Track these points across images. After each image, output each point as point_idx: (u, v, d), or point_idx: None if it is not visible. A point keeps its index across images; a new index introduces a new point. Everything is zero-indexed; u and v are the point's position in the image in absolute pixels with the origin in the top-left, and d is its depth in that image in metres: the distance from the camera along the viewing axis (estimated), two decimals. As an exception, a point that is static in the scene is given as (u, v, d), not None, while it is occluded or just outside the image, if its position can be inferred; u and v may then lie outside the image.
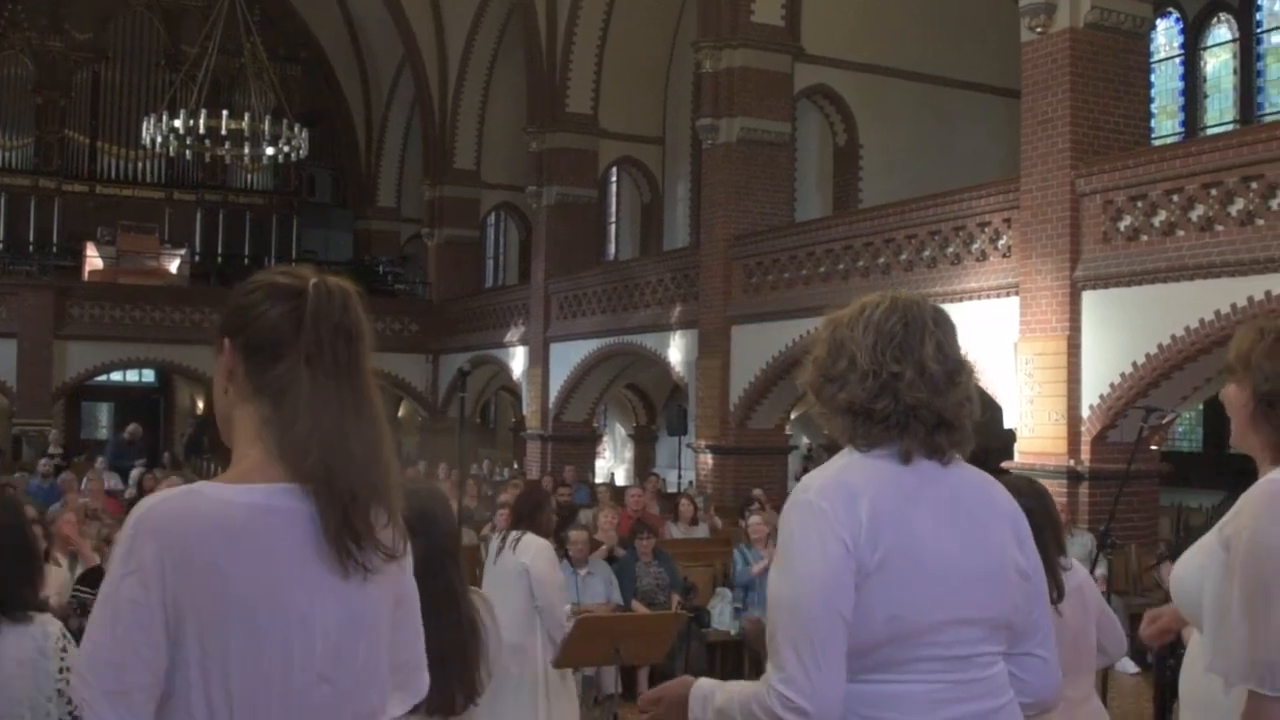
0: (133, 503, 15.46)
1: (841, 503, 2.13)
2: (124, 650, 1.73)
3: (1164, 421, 10.14)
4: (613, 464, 27.08)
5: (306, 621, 1.80)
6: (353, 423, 1.86)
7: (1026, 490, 4.02)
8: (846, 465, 2.21)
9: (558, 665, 6.55)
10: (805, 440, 21.50)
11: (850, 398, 2.21)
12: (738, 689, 2.24)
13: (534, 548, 6.44)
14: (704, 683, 2.34)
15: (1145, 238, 11.75)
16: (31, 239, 29.06)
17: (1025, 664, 2.31)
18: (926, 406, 2.18)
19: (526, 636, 6.49)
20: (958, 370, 2.23)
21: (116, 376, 28.54)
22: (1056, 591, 3.82)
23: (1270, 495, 2.42)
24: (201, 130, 20.72)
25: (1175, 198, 11.46)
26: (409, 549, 1.97)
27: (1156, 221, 11.63)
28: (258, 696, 1.77)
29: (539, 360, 23.02)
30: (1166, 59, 19.45)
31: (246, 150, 21.93)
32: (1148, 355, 11.59)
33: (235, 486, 1.83)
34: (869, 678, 2.13)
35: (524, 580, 6.39)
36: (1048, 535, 3.91)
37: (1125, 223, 11.93)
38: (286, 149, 21.62)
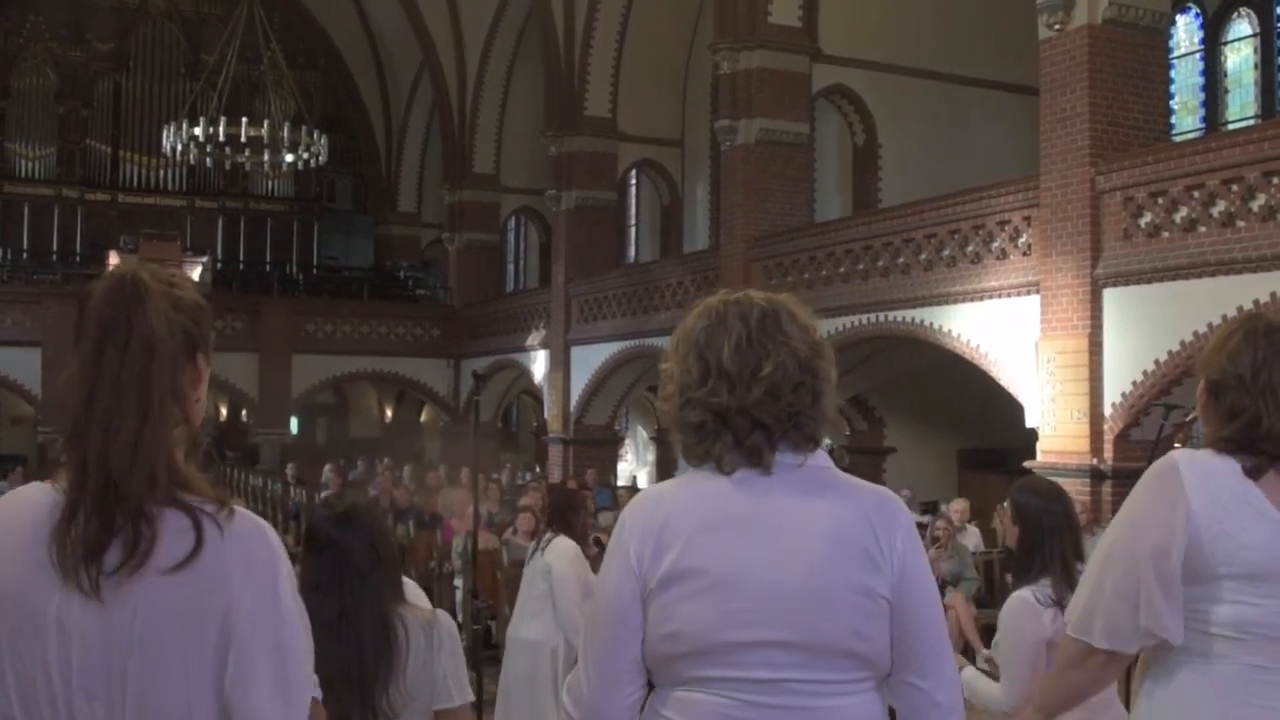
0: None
1: (642, 517, 2.09)
2: None
3: (1185, 420, 10.07)
4: (635, 467, 27.07)
5: (63, 629, 1.72)
6: (108, 420, 1.75)
7: (1046, 492, 4.00)
8: (672, 480, 2.16)
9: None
10: (827, 440, 21.42)
11: (673, 414, 2.13)
12: None
13: (560, 548, 6.49)
14: None
15: (1166, 234, 11.68)
16: (55, 248, 29.27)
17: (901, 693, 2.10)
18: (731, 409, 2.05)
19: (549, 636, 6.53)
20: (762, 362, 2.06)
21: (140, 384, 28.58)
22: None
23: (1153, 471, 2.51)
24: (222, 137, 20.82)
25: (1196, 194, 11.39)
26: (198, 563, 1.74)
27: (1177, 218, 11.57)
28: (30, 702, 1.74)
29: (560, 363, 23.03)
30: (1187, 54, 19.33)
31: (266, 157, 22.01)
32: (1170, 352, 11.53)
33: (45, 486, 1.82)
34: (670, 687, 2.10)
35: (548, 580, 6.45)
36: (1066, 539, 3.89)
37: (1146, 219, 11.87)
38: (306, 155, 21.71)
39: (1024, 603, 3.78)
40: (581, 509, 6.88)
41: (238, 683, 1.75)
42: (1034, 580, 3.84)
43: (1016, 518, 3.97)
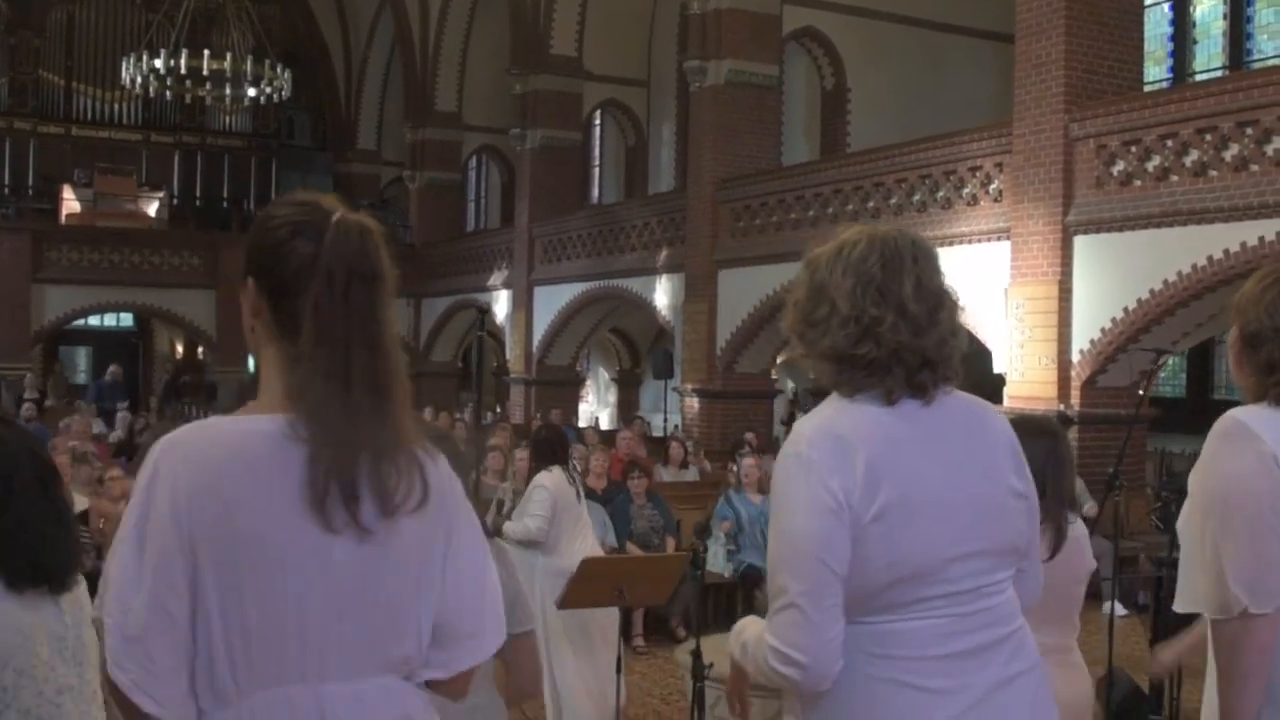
0: (119, 446, 15.38)
1: (832, 454, 2.11)
2: (140, 589, 1.70)
3: (1156, 365, 10.21)
4: (596, 408, 27.09)
5: (320, 554, 1.74)
6: (360, 369, 1.79)
7: (1034, 429, 3.88)
8: (835, 413, 2.18)
9: (562, 606, 6.58)
10: (791, 384, 21.53)
11: (833, 344, 2.18)
12: (758, 627, 2.26)
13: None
14: (742, 621, 2.37)
15: (1138, 182, 11.74)
16: (7, 181, 28.74)
17: (1019, 577, 2.32)
18: (909, 348, 2.14)
19: None
20: (938, 306, 2.19)
21: (95, 320, 28.32)
22: (1057, 538, 3.60)
23: (1221, 433, 2.52)
24: (182, 71, 20.45)
25: (1169, 143, 11.44)
26: (430, 499, 1.84)
27: (1150, 166, 11.62)
28: (273, 630, 1.72)
29: (523, 304, 22.93)
30: (1155, 4, 19.35)
31: (228, 91, 21.64)
32: (1139, 300, 11.62)
33: (253, 417, 1.80)
34: (875, 619, 2.13)
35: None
36: (1049, 477, 3.72)
37: (1118, 167, 11.92)
38: (269, 89, 21.36)
39: None
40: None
41: (457, 601, 1.91)
42: None
43: None
